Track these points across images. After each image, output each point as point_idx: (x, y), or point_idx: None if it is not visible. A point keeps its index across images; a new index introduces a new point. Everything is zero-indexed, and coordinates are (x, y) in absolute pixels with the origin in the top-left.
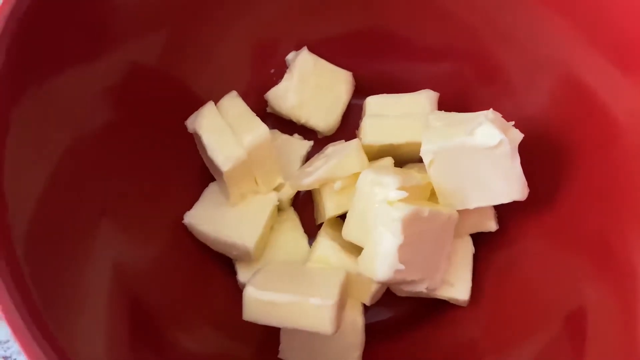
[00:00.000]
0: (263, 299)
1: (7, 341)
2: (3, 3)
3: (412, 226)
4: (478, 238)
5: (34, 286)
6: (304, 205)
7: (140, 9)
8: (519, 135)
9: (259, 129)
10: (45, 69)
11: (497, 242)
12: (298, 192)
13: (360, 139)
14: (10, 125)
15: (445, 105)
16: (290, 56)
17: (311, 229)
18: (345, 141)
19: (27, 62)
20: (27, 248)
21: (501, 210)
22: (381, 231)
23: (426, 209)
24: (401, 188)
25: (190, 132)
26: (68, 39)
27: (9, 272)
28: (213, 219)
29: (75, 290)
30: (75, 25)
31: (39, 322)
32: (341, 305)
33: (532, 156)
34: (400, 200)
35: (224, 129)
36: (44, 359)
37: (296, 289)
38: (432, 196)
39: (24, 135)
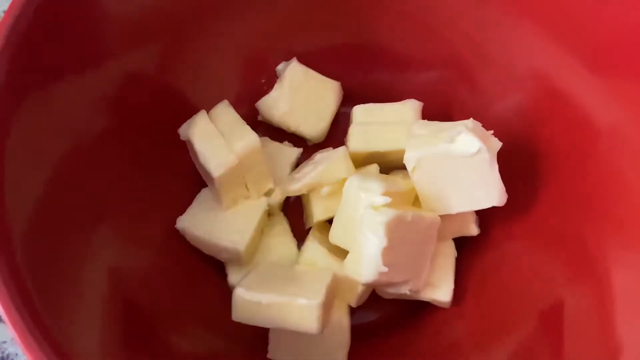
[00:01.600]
0: (251, 300)
1: (5, 342)
2: (5, 15)
3: (396, 230)
4: (460, 242)
5: (34, 288)
6: (294, 210)
7: (137, 21)
8: (497, 144)
9: (249, 137)
10: (44, 78)
11: (478, 246)
12: (288, 197)
13: (348, 147)
14: (10, 132)
15: (428, 114)
16: (280, 66)
17: (300, 233)
18: (333, 148)
19: (27, 72)
20: (26, 251)
21: (482, 215)
22: (366, 235)
23: (409, 213)
24: (385, 193)
25: (183, 139)
26: (66, 49)
27: (9, 275)
28: (205, 223)
29: (72, 293)
30: (73, 37)
31: (40, 323)
32: (327, 306)
33: (511, 162)
34: (385, 205)
35: (216, 136)
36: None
37: (284, 290)
38: (416, 201)
39: (24, 142)
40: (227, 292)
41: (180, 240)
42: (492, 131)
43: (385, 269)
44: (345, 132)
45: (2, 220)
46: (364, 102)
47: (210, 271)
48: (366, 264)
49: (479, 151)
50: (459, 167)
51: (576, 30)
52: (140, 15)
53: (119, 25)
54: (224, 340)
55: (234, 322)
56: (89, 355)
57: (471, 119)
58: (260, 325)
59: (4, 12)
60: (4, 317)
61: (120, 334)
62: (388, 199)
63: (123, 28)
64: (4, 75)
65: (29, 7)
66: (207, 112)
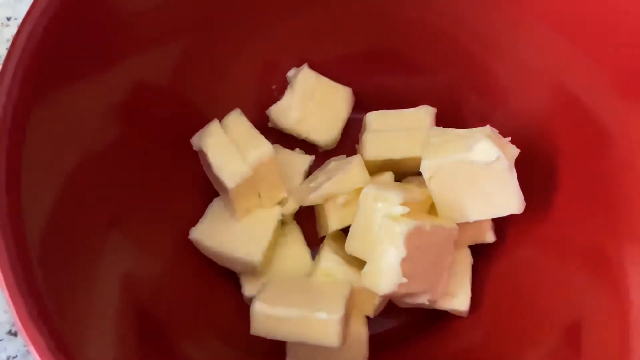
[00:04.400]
0: (271, 314)
1: (15, 357)
2: (21, 25)
3: (415, 240)
4: (476, 249)
5: (49, 296)
6: (305, 218)
7: (151, 30)
8: (515, 151)
9: (264, 147)
10: (59, 85)
11: (492, 252)
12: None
13: (362, 154)
14: (25, 141)
15: (442, 117)
16: (291, 73)
17: (313, 242)
18: (346, 155)
19: (42, 78)
20: (41, 259)
21: (498, 222)
22: (384, 245)
23: (428, 223)
24: (404, 203)
25: (196, 149)
26: (80, 56)
27: (25, 283)
28: (218, 234)
29: (86, 301)
30: (87, 47)
31: (55, 333)
32: (346, 319)
33: (527, 167)
34: (403, 215)
35: (229, 146)
36: None
37: (303, 303)
38: (432, 209)
39: (39, 148)
40: (241, 302)
41: (193, 250)
42: (509, 138)
43: (405, 280)
44: (356, 139)
45: (18, 226)
46: (374, 108)
47: (223, 281)
48: (385, 275)
49: (497, 159)
50: (477, 175)
51: (595, 37)
52: (154, 23)
53: (133, 34)
54: (238, 351)
55: (248, 333)
56: None
57: (488, 125)
58: (279, 339)
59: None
60: (19, 326)
61: (133, 343)
62: (407, 209)
63: (137, 36)
64: (20, 81)
65: (45, 16)
66: (219, 121)
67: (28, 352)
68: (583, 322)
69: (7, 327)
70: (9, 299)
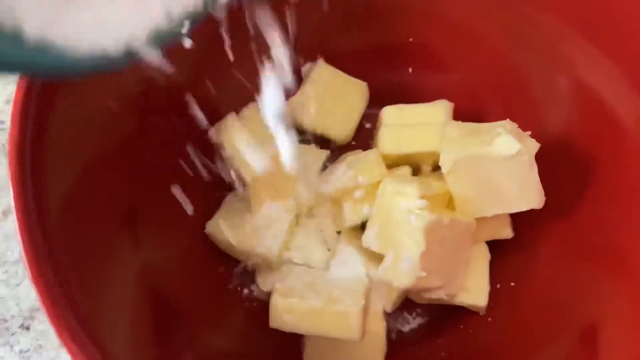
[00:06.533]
0: (290, 307)
1: (28, 350)
2: None
3: (434, 234)
4: (493, 244)
5: (72, 282)
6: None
7: None
8: (535, 145)
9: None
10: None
11: (511, 249)
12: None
13: (378, 148)
14: (48, 130)
15: (459, 113)
16: (306, 67)
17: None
18: (362, 150)
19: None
20: (63, 247)
21: (516, 219)
22: (403, 239)
23: (446, 217)
24: (422, 197)
25: (213, 142)
26: None
27: (48, 265)
28: (234, 228)
29: (106, 289)
30: None
31: (78, 318)
32: (365, 312)
33: (545, 163)
34: (421, 209)
35: (248, 140)
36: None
37: (322, 297)
38: (450, 204)
39: (60, 140)
40: (256, 296)
41: (209, 243)
42: (529, 132)
43: (424, 274)
44: (371, 134)
45: (43, 214)
46: (390, 103)
47: (239, 275)
48: (404, 268)
49: (518, 153)
50: (497, 169)
51: (610, 32)
52: None
53: None
54: (254, 342)
55: (264, 326)
56: (123, 349)
57: (508, 119)
58: (299, 332)
59: None
60: (44, 308)
61: (151, 331)
62: (425, 203)
63: None
64: (39, 87)
65: None
66: (236, 114)
67: (40, 346)
68: (600, 322)
69: (19, 321)
70: (36, 288)
